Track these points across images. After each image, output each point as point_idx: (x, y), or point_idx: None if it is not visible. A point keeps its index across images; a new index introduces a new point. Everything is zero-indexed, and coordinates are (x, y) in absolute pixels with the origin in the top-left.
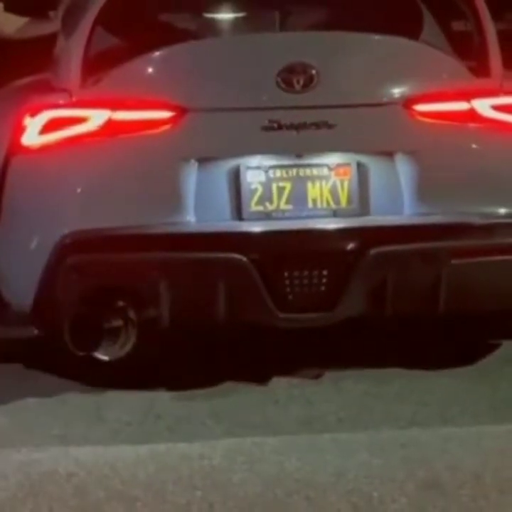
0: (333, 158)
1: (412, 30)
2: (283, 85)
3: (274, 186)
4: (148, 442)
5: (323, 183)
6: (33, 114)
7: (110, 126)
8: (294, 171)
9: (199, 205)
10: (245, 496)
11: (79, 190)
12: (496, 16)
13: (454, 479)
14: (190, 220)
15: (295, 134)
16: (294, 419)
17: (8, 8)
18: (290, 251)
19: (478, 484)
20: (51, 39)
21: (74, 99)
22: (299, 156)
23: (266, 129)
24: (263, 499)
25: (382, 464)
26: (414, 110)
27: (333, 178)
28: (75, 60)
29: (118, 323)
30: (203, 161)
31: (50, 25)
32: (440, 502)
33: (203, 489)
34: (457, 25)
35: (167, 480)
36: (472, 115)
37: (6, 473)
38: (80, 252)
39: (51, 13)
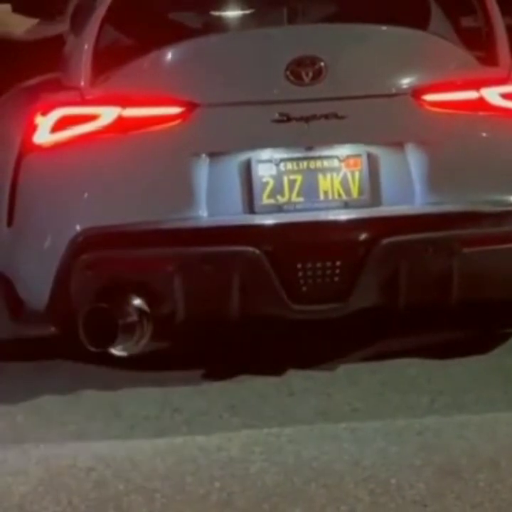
0: (344, 150)
1: (419, 21)
2: (292, 78)
3: (285, 179)
4: (165, 436)
5: (334, 174)
6: (44, 113)
7: (121, 123)
8: (305, 163)
9: (211, 200)
10: (263, 486)
11: (91, 187)
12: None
13: (470, 465)
14: (203, 214)
15: (305, 127)
16: (310, 409)
17: (16, 10)
18: (302, 243)
19: (495, 469)
20: (60, 40)
21: (84, 97)
22: (309, 148)
23: (276, 122)
24: (281, 488)
25: (399, 451)
26: (423, 100)
27: (344, 170)
28: (84, 58)
29: (133, 318)
30: (214, 155)
31: (59, 26)
32: (457, 487)
33: (221, 480)
34: (466, 21)
35: (185, 472)
36: (481, 104)
37: (25, 468)
38: (94, 249)
39: (58, 18)
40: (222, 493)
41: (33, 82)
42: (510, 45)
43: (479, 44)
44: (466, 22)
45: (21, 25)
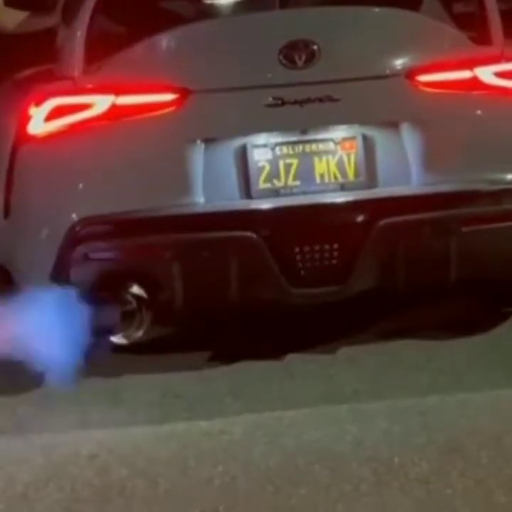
0: (339, 132)
1: (411, 2)
2: (285, 62)
3: (281, 163)
4: (167, 422)
5: (330, 157)
6: (37, 103)
7: (115, 111)
8: (300, 147)
9: (207, 186)
10: (267, 468)
11: (87, 176)
12: None
13: (473, 442)
14: (199, 200)
15: (299, 110)
16: (311, 392)
17: (8, 3)
18: (300, 227)
19: (498, 446)
20: (52, 33)
21: (78, 86)
22: (304, 131)
23: (270, 106)
24: (285, 470)
25: (401, 431)
26: (417, 81)
27: (340, 152)
28: (77, 48)
29: (132, 306)
30: (209, 141)
31: (51, 19)
32: (461, 464)
33: (224, 463)
34: (456, 8)
35: (188, 456)
36: (475, 83)
37: (28, 457)
38: (92, 238)
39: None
40: (225, 477)
41: (26, 73)
42: (502, 23)
43: (472, 24)
44: (456, 8)
45: (13, 20)
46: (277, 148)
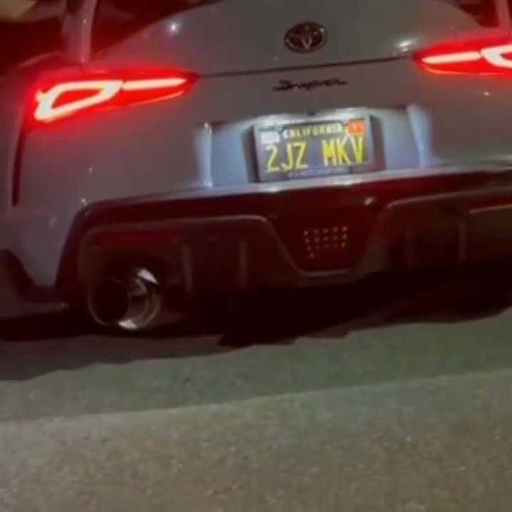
0: (346, 114)
1: None
2: (292, 45)
3: (288, 146)
4: (178, 405)
5: (338, 140)
6: (45, 89)
7: (122, 97)
8: (308, 129)
9: (215, 170)
10: (279, 448)
11: (95, 161)
12: None
13: (485, 421)
14: (208, 184)
15: (307, 93)
16: (322, 374)
17: None
18: (309, 210)
19: (510, 424)
20: (57, 21)
21: (85, 72)
22: (311, 113)
23: (277, 89)
24: (297, 450)
25: (412, 410)
26: (424, 63)
27: (347, 135)
28: (83, 34)
29: (142, 291)
30: (217, 125)
31: (56, 8)
32: (473, 443)
33: (236, 445)
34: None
35: (200, 438)
36: (482, 64)
37: (40, 441)
38: (101, 224)
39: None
40: (237, 457)
41: (32, 61)
42: (509, 5)
43: (478, 6)
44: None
45: (19, 8)
46: (285, 132)
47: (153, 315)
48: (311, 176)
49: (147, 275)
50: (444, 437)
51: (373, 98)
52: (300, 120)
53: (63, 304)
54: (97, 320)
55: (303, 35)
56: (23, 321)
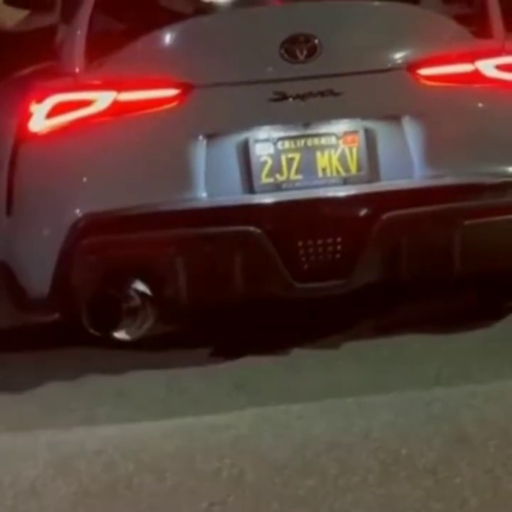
0: (341, 126)
1: None
2: (287, 56)
3: (283, 158)
4: (173, 417)
5: (332, 151)
6: (39, 100)
7: (116, 107)
8: (302, 141)
9: (210, 181)
10: (274, 461)
11: (89, 172)
12: None
13: (480, 433)
14: (202, 195)
15: (301, 104)
16: (317, 386)
17: (8, 2)
18: (303, 221)
19: (505, 436)
20: (52, 31)
21: (79, 82)
22: (306, 125)
23: (272, 101)
24: (292, 462)
25: (408, 422)
26: (419, 74)
27: (342, 146)
28: (77, 44)
29: (136, 302)
30: (212, 136)
31: (51, 17)
32: (468, 454)
33: (231, 457)
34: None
35: (195, 450)
36: (476, 76)
37: (34, 453)
38: (95, 234)
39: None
40: (233, 470)
41: (26, 71)
42: (503, 17)
43: (472, 17)
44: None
45: (13, 18)
46: (279, 143)
47: (147, 326)
48: (306, 187)
49: (141, 286)
50: (439, 449)
51: (368, 110)
52: (294, 131)
53: (57, 315)
54: (91, 331)
55: (297, 47)
56: (17, 332)
